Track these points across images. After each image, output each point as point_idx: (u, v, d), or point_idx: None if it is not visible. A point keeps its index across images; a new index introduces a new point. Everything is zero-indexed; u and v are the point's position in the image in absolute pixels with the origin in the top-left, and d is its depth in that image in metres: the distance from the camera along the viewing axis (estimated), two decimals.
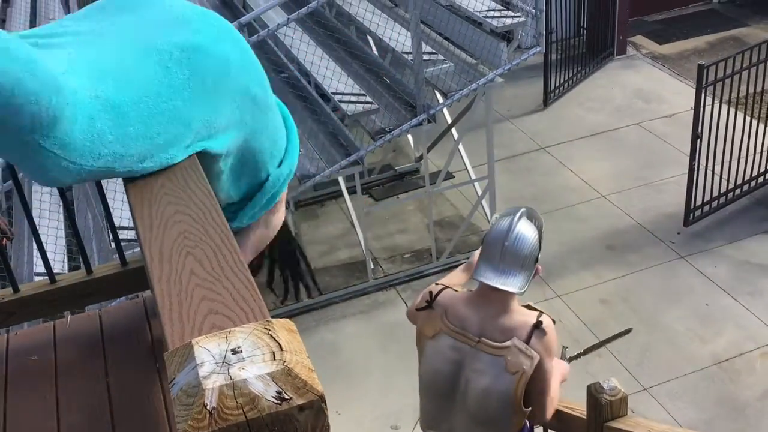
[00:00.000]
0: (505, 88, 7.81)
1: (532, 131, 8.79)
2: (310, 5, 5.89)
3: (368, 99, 6.11)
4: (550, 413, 3.07)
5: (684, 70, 9.72)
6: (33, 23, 7.38)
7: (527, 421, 3.10)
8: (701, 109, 6.47)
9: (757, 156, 7.11)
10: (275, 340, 1.00)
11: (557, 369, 3.15)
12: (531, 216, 3.12)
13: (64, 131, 1.46)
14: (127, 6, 1.75)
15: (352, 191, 7.26)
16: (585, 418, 3.02)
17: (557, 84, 9.28)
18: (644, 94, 9.32)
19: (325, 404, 0.97)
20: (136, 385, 2.10)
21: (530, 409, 3.02)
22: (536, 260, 3.07)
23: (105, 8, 1.76)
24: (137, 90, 1.54)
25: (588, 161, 8.17)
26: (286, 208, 2.27)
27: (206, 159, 1.69)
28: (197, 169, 1.59)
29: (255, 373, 0.96)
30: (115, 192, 4.33)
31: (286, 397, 0.95)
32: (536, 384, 2.98)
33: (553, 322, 3.04)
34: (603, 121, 8.87)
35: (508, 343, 2.96)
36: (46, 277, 2.21)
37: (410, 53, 6.08)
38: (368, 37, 7.56)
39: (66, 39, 1.63)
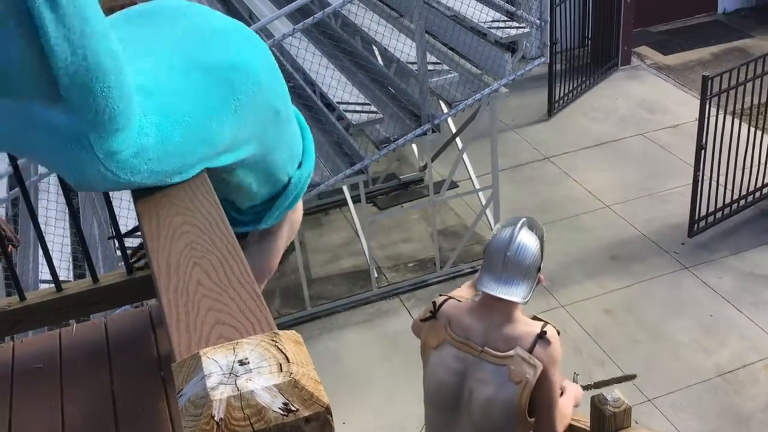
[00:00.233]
0: (509, 98, 7.83)
1: (536, 141, 8.79)
2: (315, 15, 5.92)
3: (373, 108, 6.12)
4: (559, 430, 3.05)
5: (688, 80, 9.73)
6: None
7: None
8: (706, 119, 6.48)
9: (762, 167, 7.12)
10: (282, 351, 1.01)
11: (569, 388, 3.15)
12: (532, 225, 3.13)
13: (119, 140, 1.43)
14: (164, 13, 1.74)
15: (356, 200, 7.28)
16: (589, 430, 3.02)
17: (562, 94, 9.30)
18: (648, 105, 9.32)
19: (331, 416, 0.98)
20: (140, 393, 2.11)
21: (534, 419, 3.01)
22: (539, 269, 3.08)
23: (141, 15, 1.74)
24: (178, 110, 1.53)
25: (592, 171, 8.17)
26: None
27: (225, 168, 1.69)
28: (204, 180, 1.60)
29: (262, 384, 0.96)
30: (121, 200, 4.34)
31: (293, 408, 0.96)
32: (542, 394, 2.97)
33: (558, 332, 3.04)
34: (607, 131, 8.87)
35: (511, 352, 2.95)
36: (52, 285, 2.22)
37: (415, 63, 6.10)
38: (373, 47, 7.59)
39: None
